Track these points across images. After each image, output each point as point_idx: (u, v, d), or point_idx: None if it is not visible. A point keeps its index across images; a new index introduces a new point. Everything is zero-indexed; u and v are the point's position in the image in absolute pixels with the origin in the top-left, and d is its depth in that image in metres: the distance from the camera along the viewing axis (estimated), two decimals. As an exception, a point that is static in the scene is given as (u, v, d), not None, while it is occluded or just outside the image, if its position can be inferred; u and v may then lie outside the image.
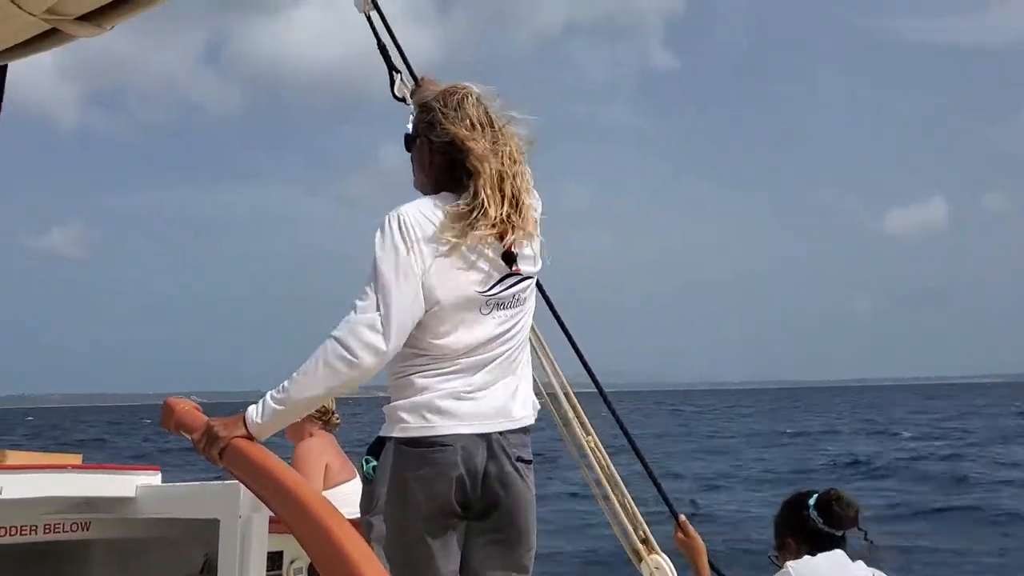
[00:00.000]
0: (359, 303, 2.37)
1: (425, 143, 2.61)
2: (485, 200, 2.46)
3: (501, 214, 2.47)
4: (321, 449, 4.24)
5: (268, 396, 2.43)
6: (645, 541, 3.75)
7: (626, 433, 3.68)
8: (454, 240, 2.44)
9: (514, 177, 2.53)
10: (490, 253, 2.49)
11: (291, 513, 2.20)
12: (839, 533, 3.17)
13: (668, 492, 3.65)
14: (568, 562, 13.44)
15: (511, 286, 2.53)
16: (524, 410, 2.59)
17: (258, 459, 2.38)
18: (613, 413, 3.69)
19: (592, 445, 3.74)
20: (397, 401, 2.50)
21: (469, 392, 2.48)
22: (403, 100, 3.88)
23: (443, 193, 2.56)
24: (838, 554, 3.13)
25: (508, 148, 2.54)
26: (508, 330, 2.55)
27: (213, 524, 2.74)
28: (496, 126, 2.55)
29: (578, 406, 3.70)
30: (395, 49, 3.74)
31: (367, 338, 2.33)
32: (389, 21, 3.70)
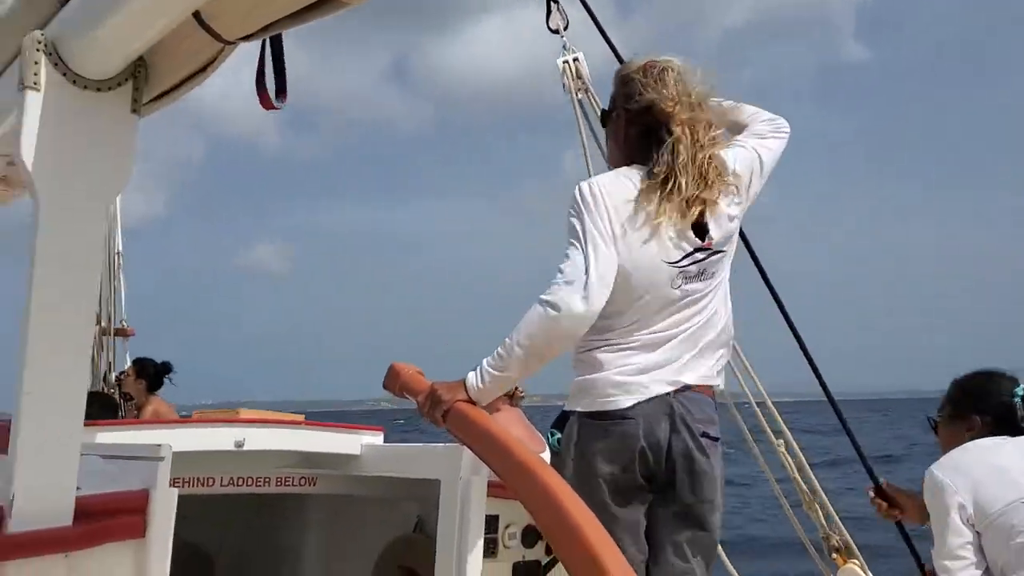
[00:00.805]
0: (561, 267, 2.45)
1: (621, 115, 2.66)
2: (678, 171, 2.47)
3: (694, 186, 2.47)
4: (508, 423, 4.39)
5: (484, 362, 2.53)
6: (839, 550, 3.69)
7: (849, 433, 3.56)
8: (645, 210, 2.47)
9: (709, 150, 2.52)
10: (681, 225, 2.49)
11: (516, 477, 2.27)
12: None
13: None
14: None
15: (701, 260, 2.52)
16: (709, 383, 2.58)
17: (482, 423, 2.47)
18: (839, 415, 3.57)
19: (783, 449, 3.71)
20: (581, 376, 2.57)
21: (652, 367, 2.50)
22: (556, 32, 3.94)
23: (636, 165, 2.58)
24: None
25: (705, 121, 2.55)
26: (696, 304, 2.54)
27: (431, 485, 2.88)
28: (694, 99, 2.55)
29: (768, 402, 3.67)
30: None
31: (570, 298, 2.38)
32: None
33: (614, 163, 2.70)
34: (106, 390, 8.24)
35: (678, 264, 2.50)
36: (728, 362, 2.83)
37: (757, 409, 3.76)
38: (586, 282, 2.40)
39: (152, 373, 7.15)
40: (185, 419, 3.69)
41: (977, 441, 2.94)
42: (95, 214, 1.77)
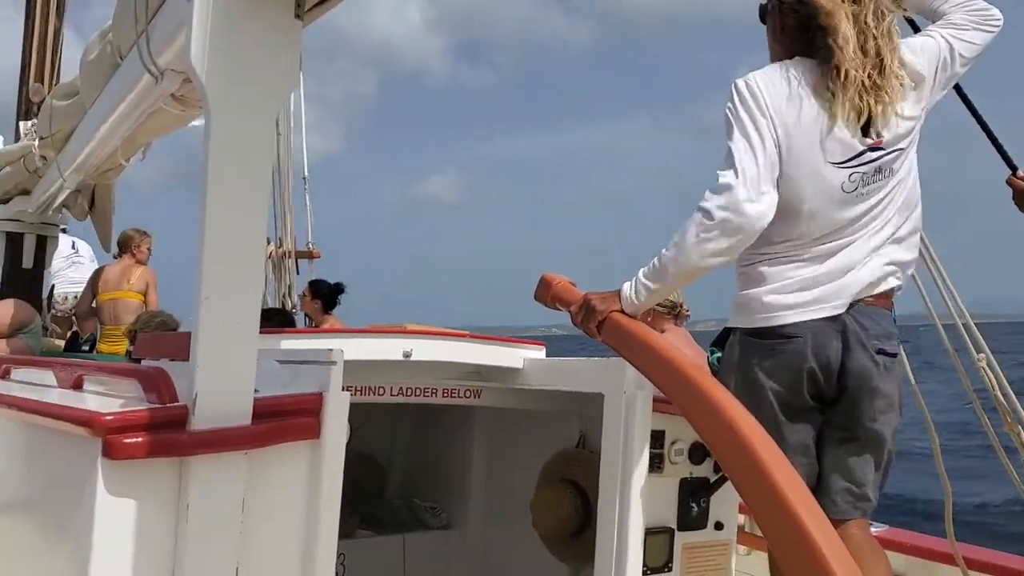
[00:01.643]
0: (719, 172, 2.30)
1: (776, 7, 2.48)
2: (843, 61, 2.27)
3: (862, 77, 2.26)
4: (674, 343, 4.28)
5: (640, 273, 2.44)
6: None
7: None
8: (809, 107, 2.29)
9: (878, 36, 2.29)
10: (849, 123, 2.29)
11: (679, 391, 2.20)
12: None
13: None
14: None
15: (874, 159, 2.32)
16: (887, 294, 2.39)
17: (639, 334, 2.39)
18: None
19: (983, 364, 3.43)
20: (744, 291, 2.44)
21: (822, 280, 2.33)
22: None
23: (797, 58, 2.40)
24: None
25: (873, 7, 2.31)
26: (870, 208, 2.35)
27: (594, 399, 2.86)
28: None
29: (972, 327, 3.40)
30: None
31: (729, 200, 2.25)
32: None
33: (775, 60, 2.51)
34: (292, 309, 8.70)
35: (846, 165, 2.31)
36: (913, 274, 2.62)
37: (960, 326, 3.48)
38: (747, 186, 2.25)
39: (327, 293, 7.48)
40: (355, 329, 3.81)
41: None
42: (264, 118, 1.79)
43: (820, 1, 2.32)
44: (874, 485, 2.42)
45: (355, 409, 2.01)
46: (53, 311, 7.90)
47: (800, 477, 1.97)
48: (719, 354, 2.57)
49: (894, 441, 2.43)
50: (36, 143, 5.04)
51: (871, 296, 2.37)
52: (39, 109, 5.52)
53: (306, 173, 9.50)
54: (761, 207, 2.26)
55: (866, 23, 2.31)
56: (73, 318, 7.89)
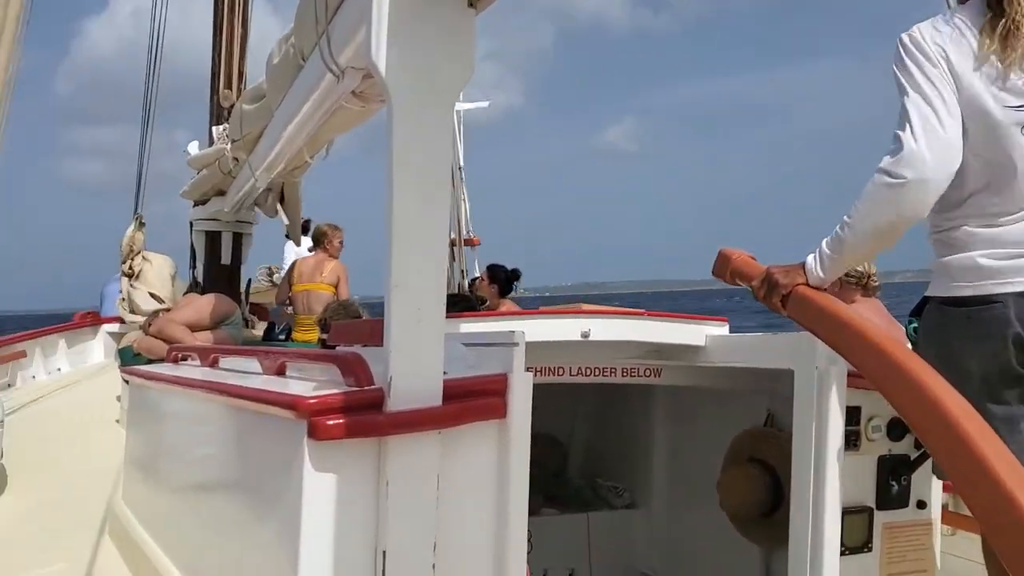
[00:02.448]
0: (897, 131, 2.18)
1: None
2: (1018, 7, 2.16)
3: None
4: (863, 316, 4.07)
5: (824, 243, 2.35)
6: None
7: None
8: (982, 53, 2.16)
9: None
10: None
11: (874, 365, 2.09)
12: None
13: None
14: None
15: None
16: None
17: (829, 308, 2.29)
18: None
19: None
20: (940, 259, 2.31)
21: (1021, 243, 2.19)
22: None
23: (969, 3, 2.26)
24: None
25: None
26: None
27: (780, 376, 2.78)
28: None
29: None
30: None
31: (911, 163, 2.12)
32: None
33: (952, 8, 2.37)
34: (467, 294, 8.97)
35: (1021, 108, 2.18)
36: None
37: None
38: (928, 142, 2.13)
39: (503, 279, 7.62)
40: (533, 311, 3.86)
41: None
42: (444, 109, 1.83)
43: None
44: None
45: (535, 390, 2.04)
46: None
47: (1011, 452, 1.84)
48: (916, 324, 2.44)
49: None
50: (228, 146, 5.39)
51: None
52: (229, 114, 5.89)
53: (461, 163, 9.70)
54: (941, 169, 2.14)
55: None
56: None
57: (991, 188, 2.23)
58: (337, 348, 2.66)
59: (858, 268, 4.17)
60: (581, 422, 4.90)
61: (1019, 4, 2.17)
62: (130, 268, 7.46)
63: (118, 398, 6.15)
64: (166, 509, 3.23)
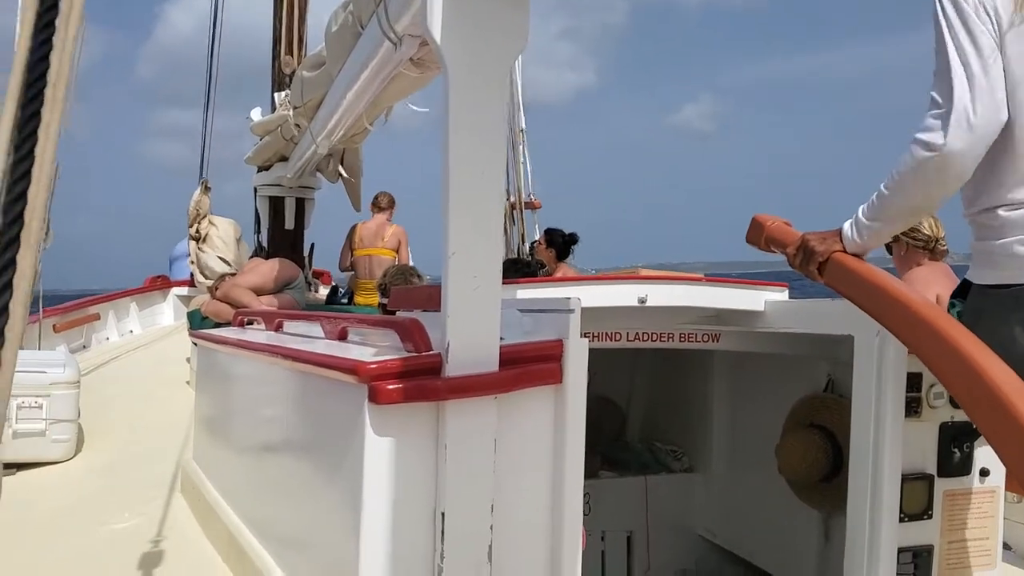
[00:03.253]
0: (932, 93, 2.06)
1: None
2: None
3: None
4: (928, 280, 3.96)
5: (860, 211, 2.26)
6: None
7: None
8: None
9: None
10: None
11: (916, 335, 2.02)
12: None
13: None
14: None
15: None
16: None
17: (867, 275, 2.21)
18: None
19: None
20: (980, 241, 2.19)
21: None
22: None
23: None
24: None
25: None
26: None
27: (840, 341, 2.74)
28: None
29: None
30: None
31: (946, 129, 2.00)
32: None
33: None
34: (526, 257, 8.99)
35: None
36: None
37: None
38: (966, 105, 2.00)
39: (560, 242, 7.61)
40: (589, 276, 3.86)
41: None
42: (499, 76, 1.84)
43: None
44: None
45: (593, 354, 2.05)
46: None
47: None
48: (959, 307, 2.36)
49: None
50: (290, 112, 5.45)
51: None
52: (291, 80, 5.95)
53: (523, 125, 9.64)
54: (979, 133, 2.01)
55: None
56: None
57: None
58: (397, 313, 2.70)
59: (925, 231, 4.04)
60: (640, 386, 4.91)
61: None
62: (197, 231, 7.65)
63: (187, 360, 6.33)
64: (233, 468, 3.34)
